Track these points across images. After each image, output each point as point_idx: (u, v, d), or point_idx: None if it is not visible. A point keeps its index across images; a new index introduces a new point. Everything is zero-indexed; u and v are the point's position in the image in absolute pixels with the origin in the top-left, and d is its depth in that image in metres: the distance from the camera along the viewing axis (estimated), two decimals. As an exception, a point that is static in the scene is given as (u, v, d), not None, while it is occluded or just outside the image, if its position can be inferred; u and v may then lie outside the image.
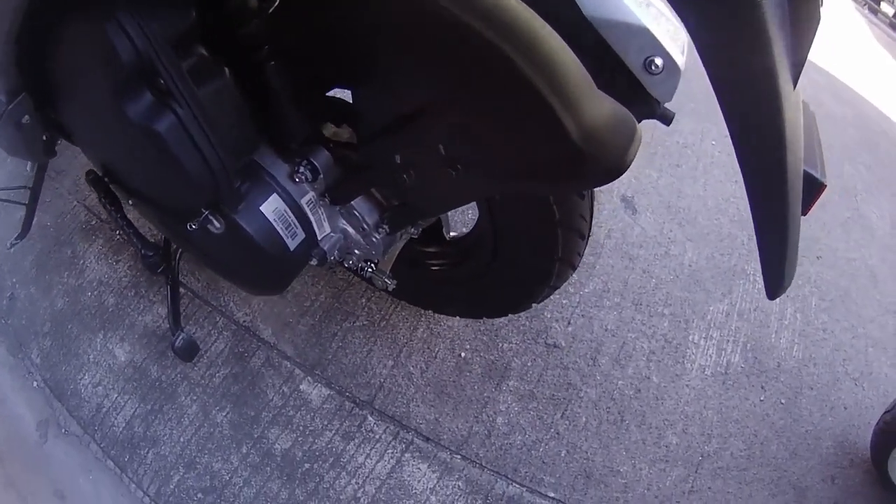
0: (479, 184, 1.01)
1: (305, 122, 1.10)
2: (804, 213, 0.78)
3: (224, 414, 1.60)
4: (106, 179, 1.32)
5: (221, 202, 1.11)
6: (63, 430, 1.68)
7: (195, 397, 1.64)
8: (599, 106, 0.84)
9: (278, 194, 1.13)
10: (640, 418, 1.63)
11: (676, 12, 0.71)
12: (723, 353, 1.78)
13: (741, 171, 0.73)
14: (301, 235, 1.17)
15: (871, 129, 3.11)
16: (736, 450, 1.62)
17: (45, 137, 1.34)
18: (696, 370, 1.73)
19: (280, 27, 0.99)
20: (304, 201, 1.15)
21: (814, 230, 2.19)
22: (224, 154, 1.02)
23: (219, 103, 0.99)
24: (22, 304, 1.91)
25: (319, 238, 1.21)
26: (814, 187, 0.79)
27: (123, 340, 1.76)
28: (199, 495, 1.54)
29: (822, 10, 0.69)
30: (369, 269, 1.37)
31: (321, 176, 1.11)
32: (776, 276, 0.82)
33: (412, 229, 1.31)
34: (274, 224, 1.13)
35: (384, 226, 1.19)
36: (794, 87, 0.67)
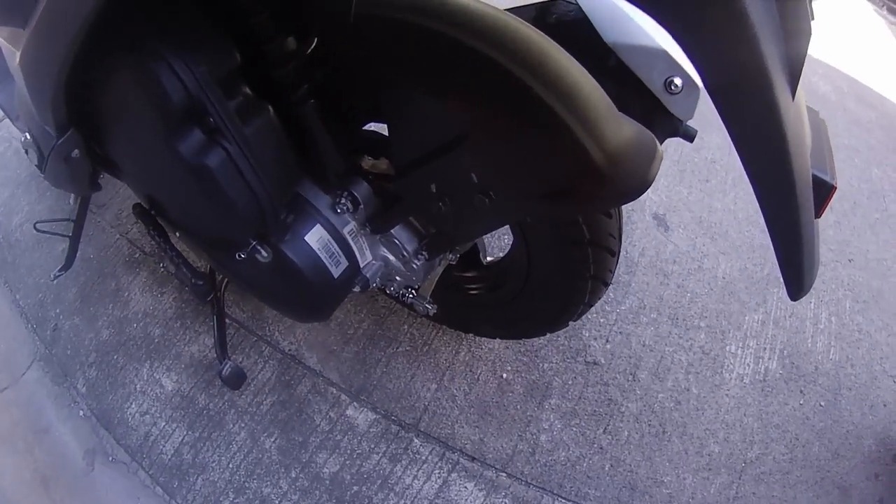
0: (511, 209, 1.04)
1: (344, 155, 1.13)
2: (817, 215, 0.79)
3: (272, 440, 1.63)
4: (153, 212, 1.37)
5: (269, 233, 1.15)
6: (110, 458, 1.71)
7: (243, 424, 1.67)
8: (619, 128, 0.87)
9: (321, 224, 1.17)
10: (681, 429, 1.62)
11: (668, 31, 0.71)
12: (760, 360, 1.78)
13: (750, 181, 0.74)
14: (344, 263, 1.21)
15: None
16: (778, 454, 1.62)
17: (91, 171, 1.38)
18: (734, 379, 1.73)
19: (317, 67, 1.03)
20: (346, 231, 1.18)
21: (844, 234, 2.19)
22: (271, 188, 1.06)
23: (264, 140, 1.03)
24: (66, 334, 1.95)
25: (362, 266, 1.25)
26: (824, 190, 0.80)
27: (170, 370, 1.80)
28: None
29: (812, 23, 0.70)
30: (410, 295, 1.39)
31: (361, 206, 1.15)
32: (796, 279, 0.82)
33: (450, 255, 1.33)
34: (318, 253, 1.17)
35: (423, 252, 1.23)
36: (793, 98, 0.68)
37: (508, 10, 0.95)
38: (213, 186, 1.01)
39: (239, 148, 0.99)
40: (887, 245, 2.22)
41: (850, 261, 2.09)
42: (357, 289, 1.27)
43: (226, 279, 1.62)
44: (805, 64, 0.68)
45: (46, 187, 2.45)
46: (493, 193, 0.99)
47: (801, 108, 0.76)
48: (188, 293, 1.99)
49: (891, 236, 2.26)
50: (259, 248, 1.15)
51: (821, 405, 1.71)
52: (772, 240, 0.78)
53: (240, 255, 1.17)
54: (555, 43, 0.86)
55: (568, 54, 0.86)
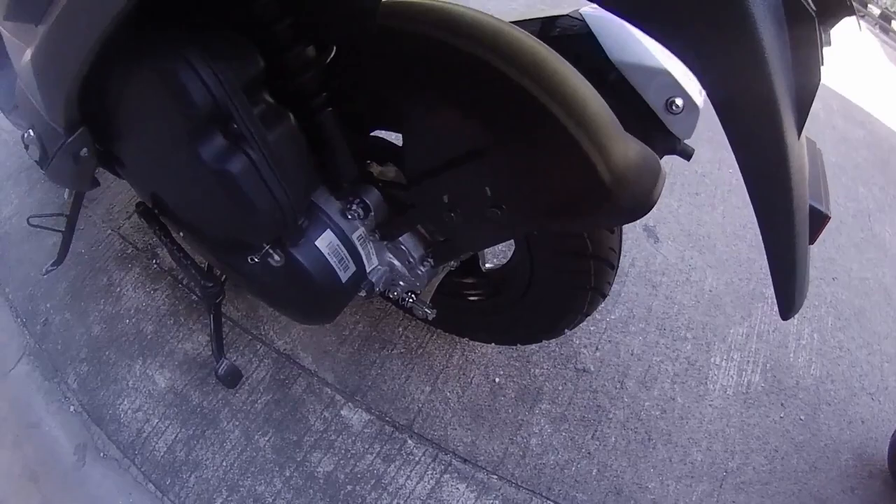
0: (521, 222, 1.08)
1: (357, 162, 1.17)
2: (811, 241, 0.82)
3: (266, 438, 1.66)
4: (156, 211, 1.39)
5: (284, 238, 1.18)
6: (101, 454, 1.72)
7: (237, 422, 1.70)
8: (626, 150, 0.93)
9: (332, 230, 1.21)
10: (666, 437, 1.68)
11: (687, 65, 0.73)
12: (743, 373, 1.84)
13: (753, 207, 0.76)
14: (352, 268, 1.25)
15: (884, 148, 3.19)
16: (758, 465, 1.67)
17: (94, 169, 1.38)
18: (718, 390, 1.79)
19: (335, 77, 1.06)
20: (355, 236, 1.22)
21: (829, 252, 2.27)
22: (292, 194, 1.09)
23: (286, 147, 1.05)
24: (57, 329, 1.97)
25: (368, 271, 1.28)
26: (819, 219, 0.83)
27: (163, 367, 1.83)
28: None
29: (822, 69, 0.71)
30: (410, 300, 1.43)
31: (372, 213, 1.20)
32: (788, 299, 0.85)
33: (452, 262, 1.37)
34: (328, 258, 1.21)
35: (429, 259, 1.28)
36: (799, 137, 0.71)
37: (514, 22, 1.03)
38: (234, 192, 1.03)
39: (262, 154, 1.02)
40: (870, 264, 2.29)
41: (833, 279, 2.17)
42: (363, 293, 1.31)
43: (228, 280, 1.63)
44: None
45: (36, 180, 2.45)
46: (505, 206, 1.03)
47: (804, 143, 0.80)
48: (194, 294, 2.00)
49: (874, 256, 2.35)
50: (272, 251, 1.18)
51: (800, 419, 1.77)
52: (769, 262, 0.82)
53: (252, 259, 1.20)
54: (569, 64, 0.92)
55: (581, 76, 0.92)
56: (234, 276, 1.41)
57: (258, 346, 1.82)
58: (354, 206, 1.19)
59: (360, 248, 1.24)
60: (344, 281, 1.24)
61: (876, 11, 5.61)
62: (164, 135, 1.07)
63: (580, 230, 1.22)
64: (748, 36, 0.61)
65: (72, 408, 1.82)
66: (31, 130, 1.25)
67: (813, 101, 0.69)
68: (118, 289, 2.02)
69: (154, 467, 1.68)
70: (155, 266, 2.08)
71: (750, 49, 0.62)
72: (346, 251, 1.23)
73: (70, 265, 2.06)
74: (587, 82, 0.93)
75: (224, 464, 1.65)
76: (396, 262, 1.31)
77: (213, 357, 1.70)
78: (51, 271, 1.97)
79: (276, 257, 1.19)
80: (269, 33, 0.99)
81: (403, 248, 1.26)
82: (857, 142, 3.03)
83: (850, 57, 3.94)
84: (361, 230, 1.23)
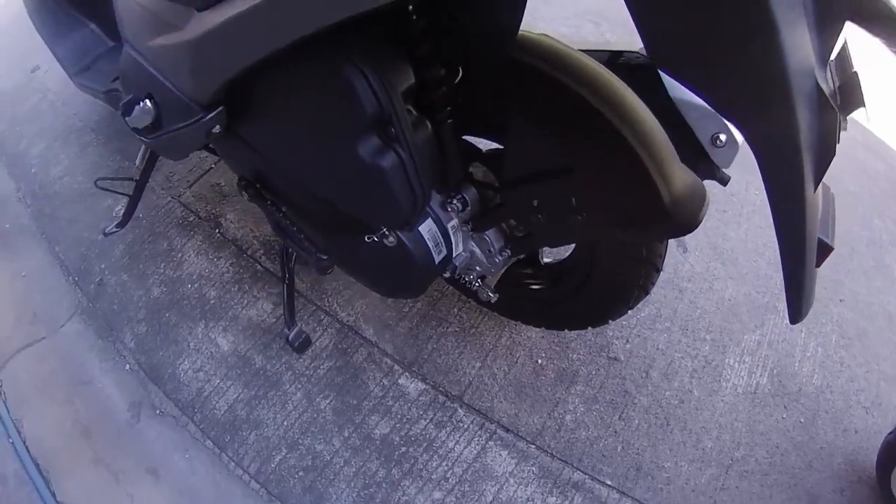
0: (596, 230, 1.31)
1: (463, 164, 1.37)
2: (817, 265, 0.98)
3: (327, 401, 1.90)
4: (257, 185, 1.57)
5: (407, 224, 1.36)
6: (158, 412, 1.92)
7: (300, 386, 1.93)
8: (682, 178, 1.13)
9: (432, 219, 1.43)
10: (682, 424, 1.89)
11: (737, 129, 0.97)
12: (753, 375, 2.04)
13: (776, 234, 0.92)
14: (444, 252, 1.47)
15: None
16: (760, 457, 1.86)
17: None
18: (729, 388, 1.99)
19: (458, 93, 1.23)
20: (449, 225, 1.45)
21: (839, 275, 2.42)
22: (425, 189, 1.25)
23: (425, 149, 1.21)
24: (112, 290, 2.21)
25: (454, 256, 1.52)
26: (825, 249, 1.00)
27: (226, 331, 2.06)
28: (301, 473, 1.80)
29: (838, 146, 0.85)
30: (477, 283, 1.69)
31: (469, 208, 1.42)
32: (797, 308, 1.01)
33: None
34: (427, 242, 1.43)
35: (507, 250, 1.53)
36: (815, 190, 0.87)
37: (584, 51, 1.21)
38: (382, 185, 1.18)
39: (409, 155, 1.16)
40: (877, 291, 2.43)
41: (841, 301, 2.34)
42: (447, 274, 1.58)
43: (294, 252, 1.85)
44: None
45: (87, 143, 2.66)
46: (585, 215, 1.25)
47: (819, 192, 0.93)
48: (259, 264, 2.24)
49: (882, 284, 2.47)
50: (388, 233, 1.39)
51: (800, 421, 1.96)
52: (784, 278, 0.97)
53: (370, 238, 1.40)
54: (640, 100, 1.13)
55: (648, 109, 1.13)
56: (339, 252, 1.59)
57: (322, 317, 2.08)
58: (455, 201, 1.41)
59: (451, 236, 1.47)
60: (436, 262, 1.47)
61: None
62: (321, 127, 1.21)
63: (639, 241, 1.45)
64: (787, 118, 0.76)
65: (127, 366, 2.04)
66: (146, 101, 1.35)
67: (828, 167, 0.84)
68: (179, 254, 2.27)
69: (213, 425, 1.88)
70: (218, 235, 2.27)
71: (787, 125, 0.77)
72: (441, 237, 1.46)
73: (126, 229, 2.28)
74: (653, 116, 1.14)
75: (285, 423, 1.87)
76: (478, 251, 1.56)
77: (285, 324, 1.92)
78: (113, 233, 2.18)
79: (391, 238, 1.39)
80: (415, 52, 1.13)
81: (487, 239, 1.51)
82: (877, 174, 3.09)
83: (878, 90, 3.97)
84: (455, 221, 1.46)
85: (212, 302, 2.16)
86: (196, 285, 2.20)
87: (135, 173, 2.12)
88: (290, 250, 1.93)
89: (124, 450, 1.88)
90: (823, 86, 0.79)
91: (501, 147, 1.39)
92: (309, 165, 1.36)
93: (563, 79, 1.12)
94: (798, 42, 0.75)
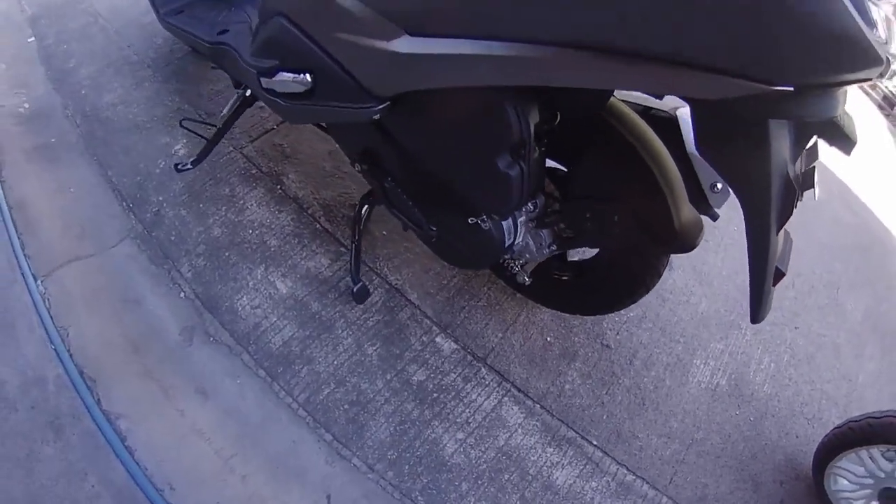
0: (626, 240, 1.78)
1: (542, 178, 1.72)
2: (774, 285, 1.31)
3: (374, 348, 2.29)
4: (368, 165, 1.97)
5: (505, 215, 1.76)
6: (211, 339, 2.22)
7: (350, 332, 2.31)
8: (688, 212, 1.58)
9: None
10: (655, 405, 2.36)
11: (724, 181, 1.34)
12: (715, 376, 2.54)
13: (748, 260, 1.27)
14: (512, 239, 1.87)
15: (871, 235, 3.85)
16: (715, 442, 2.31)
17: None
18: (695, 383, 2.49)
19: (552, 131, 1.61)
20: (520, 220, 1.86)
21: (797, 307, 2.98)
22: (531, 191, 1.65)
23: (534, 167, 1.59)
24: (170, 221, 2.51)
25: (516, 243, 1.93)
26: (780, 274, 1.32)
27: (285, 276, 2.42)
28: (346, 406, 2.14)
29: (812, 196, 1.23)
30: (518, 267, 2.17)
31: (538, 210, 1.88)
32: (757, 312, 1.35)
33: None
34: (506, 230, 1.83)
35: (553, 245, 2.00)
36: (777, 233, 1.21)
37: (622, 100, 1.65)
38: (505, 185, 1.56)
39: (528, 170, 1.55)
40: (829, 326, 2.97)
41: (795, 328, 2.88)
42: (508, 256, 2.05)
43: (366, 215, 2.32)
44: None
45: (143, 78, 3.16)
46: (622, 229, 1.71)
47: (780, 235, 1.28)
48: (318, 223, 2.58)
49: (834, 320, 3.01)
50: (487, 218, 1.77)
51: (750, 419, 2.42)
52: (750, 291, 1.31)
53: (472, 220, 1.79)
54: (669, 154, 1.56)
55: (670, 156, 1.56)
56: (441, 228, 1.98)
57: (374, 278, 2.49)
58: (530, 204, 1.84)
59: (520, 227, 1.87)
60: (506, 245, 1.85)
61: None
62: (473, 139, 1.58)
63: (652, 252, 1.89)
64: (765, 189, 1.12)
65: (182, 294, 2.34)
66: (305, 74, 1.67)
67: (788, 221, 1.20)
68: (241, 201, 2.64)
69: (267, 357, 2.20)
70: (280, 191, 2.71)
71: (764, 192, 1.12)
72: (514, 228, 1.85)
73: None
74: (674, 164, 1.56)
75: (335, 363, 2.23)
76: (532, 243, 2.00)
77: (351, 278, 2.37)
78: (185, 170, 2.53)
79: (489, 223, 1.79)
80: (541, 100, 1.48)
81: (542, 234, 1.96)
82: (847, 226, 3.73)
83: (861, 144, 4.29)
84: (524, 217, 1.86)
85: (272, 249, 2.49)
86: (257, 232, 2.53)
87: (219, 121, 2.45)
88: (361, 216, 2.32)
89: (174, 367, 2.14)
90: (791, 173, 1.14)
91: (563, 168, 1.84)
92: (451, 163, 1.74)
93: (627, 135, 1.58)
94: (781, 146, 1.11)
